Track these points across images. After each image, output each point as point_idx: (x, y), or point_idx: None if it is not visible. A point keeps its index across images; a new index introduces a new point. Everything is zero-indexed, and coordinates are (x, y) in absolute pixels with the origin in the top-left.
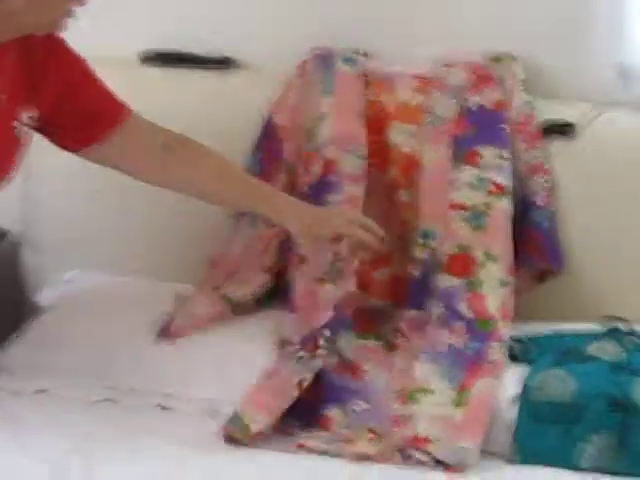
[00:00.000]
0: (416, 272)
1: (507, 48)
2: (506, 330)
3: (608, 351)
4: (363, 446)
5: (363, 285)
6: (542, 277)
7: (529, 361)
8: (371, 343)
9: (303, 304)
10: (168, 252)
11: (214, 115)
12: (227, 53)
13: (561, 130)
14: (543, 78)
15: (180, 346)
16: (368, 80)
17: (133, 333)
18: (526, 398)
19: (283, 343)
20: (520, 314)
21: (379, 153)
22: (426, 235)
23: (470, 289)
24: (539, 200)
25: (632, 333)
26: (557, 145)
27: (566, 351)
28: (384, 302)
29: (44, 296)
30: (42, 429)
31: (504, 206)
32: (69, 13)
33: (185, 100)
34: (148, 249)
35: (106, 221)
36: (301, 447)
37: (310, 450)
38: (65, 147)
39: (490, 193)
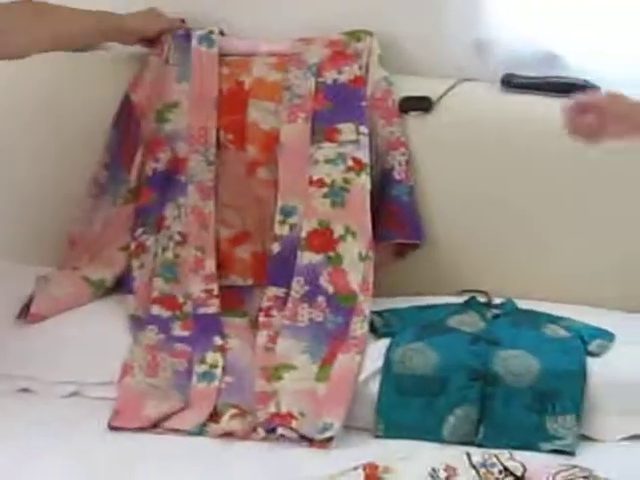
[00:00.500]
0: (276, 248)
1: (364, 24)
2: (367, 305)
3: (468, 323)
4: (227, 423)
5: (225, 263)
6: (402, 252)
7: (390, 334)
8: (236, 320)
9: (139, 291)
10: (28, 233)
11: (78, 94)
12: None
13: (418, 105)
14: (401, 54)
15: (42, 328)
16: (225, 59)
17: None
18: (388, 371)
19: (133, 318)
20: (381, 289)
21: (238, 132)
22: (286, 212)
23: (331, 264)
24: (397, 174)
25: (490, 305)
26: (414, 120)
27: (427, 324)
28: (245, 279)
29: None
30: None
31: (363, 182)
32: None
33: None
34: (7, 231)
35: None
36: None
37: (175, 430)
38: None
39: (349, 169)
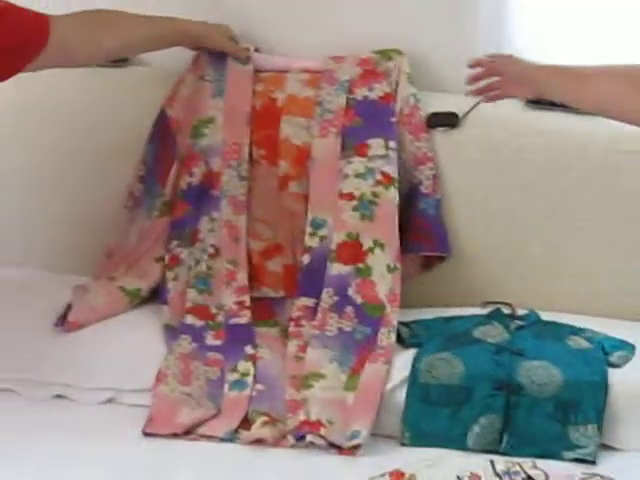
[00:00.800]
0: (306, 260)
1: (394, 44)
2: (394, 316)
3: (492, 334)
4: (258, 430)
5: (257, 275)
6: (428, 264)
7: (417, 345)
8: (267, 330)
9: (173, 302)
10: (65, 244)
11: (115, 108)
12: None
13: (445, 120)
14: (429, 72)
15: (79, 336)
16: (259, 76)
17: (32, 324)
18: (414, 380)
19: (167, 328)
20: (408, 300)
21: (271, 147)
22: (316, 224)
23: (359, 275)
24: (425, 188)
25: (514, 316)
26: (441, 135)
27: (453, 335)
28: (277, 291)
29: None
30: None
31: (391, 195)
32: None
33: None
34: (45, 241)
35: (4, 217)
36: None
37: (207, 437)
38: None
39: (378, 183)
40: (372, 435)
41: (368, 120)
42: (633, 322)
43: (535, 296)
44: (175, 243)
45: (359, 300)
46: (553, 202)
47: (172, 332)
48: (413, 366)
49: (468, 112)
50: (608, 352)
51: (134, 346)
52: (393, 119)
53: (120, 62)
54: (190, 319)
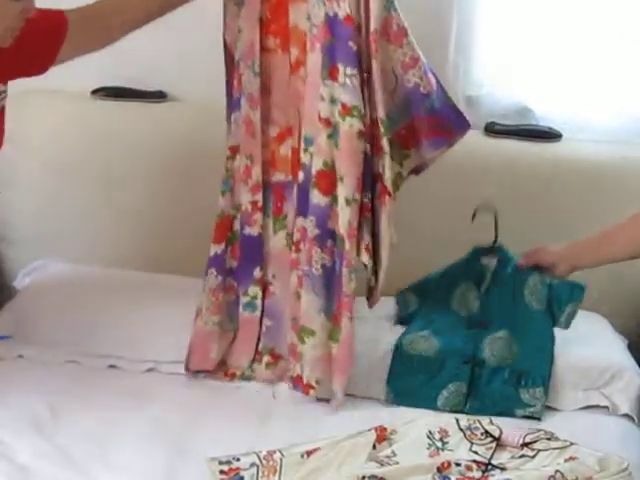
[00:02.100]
0: (301, 177)
1: None
2: (353, 256)
3: (466, 303)
4: (265, 371)
5: (271, 162)
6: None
7: (406, 320)
8: (275, 243)
9: None
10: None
11: (152, 140)
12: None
13: None
14: None
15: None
16: None
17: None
18: (399, 352)
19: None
20: None
21: (283, 35)
22: (307, 141)
23: (333, 206)
24: (423, 89)
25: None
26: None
27: (434, 310)
28: (287, 175)
29: (19, 281)
30: (20, 387)
31: (346, 126)
32: (12, 29)
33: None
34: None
35: (67, 221)
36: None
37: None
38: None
39: (339, 113)
40: (362, 397)
41: (337, 41)
42: None
43: None
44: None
45: (335, 233)
46: (511, 213)
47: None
48: (399, 341)
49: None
50: (558, 309)
51: (173, 325)
52: (351, 43)
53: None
54: (214, 248)
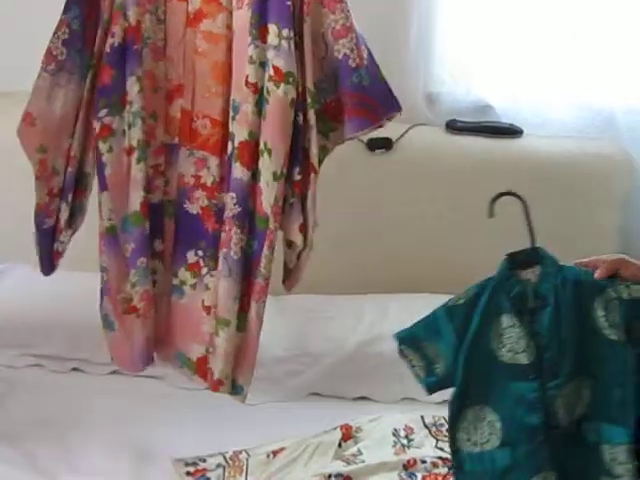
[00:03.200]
0: (230, 149)
1: None
2: (275, 234)
3: (515, 344)
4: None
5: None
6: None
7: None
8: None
9: (113, 184)
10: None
11: None
12: None
13: (382, 144)
14: None
15: None
16: None
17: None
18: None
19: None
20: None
21: None
22: (234, 108)
23: (254, 181)
24: (352, 62)
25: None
26: (379, 156)
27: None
28: (172, 138)
29: None
30: None
31: (280, 94)
32: None
33: None
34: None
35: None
36: None
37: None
38: None
39: (270, 78)
40: (327, 396)
41: None
42: None
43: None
44: (104, 112)
45: (253, 211)
46: (469, 206)
47: (115, 242)
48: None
49: (399, 137)
50: None
51: None
52: (288, 2)
53: None
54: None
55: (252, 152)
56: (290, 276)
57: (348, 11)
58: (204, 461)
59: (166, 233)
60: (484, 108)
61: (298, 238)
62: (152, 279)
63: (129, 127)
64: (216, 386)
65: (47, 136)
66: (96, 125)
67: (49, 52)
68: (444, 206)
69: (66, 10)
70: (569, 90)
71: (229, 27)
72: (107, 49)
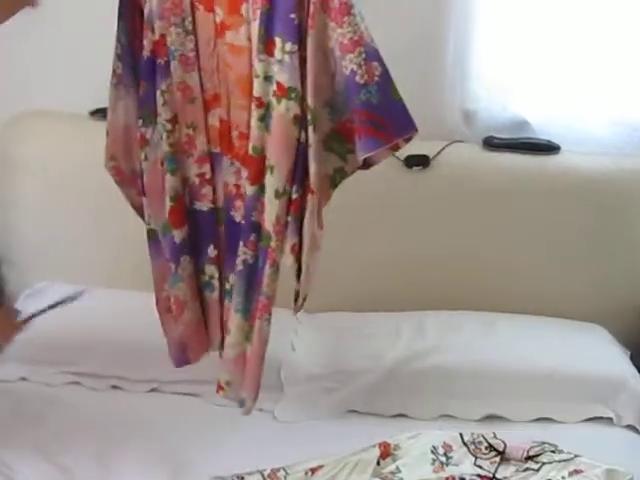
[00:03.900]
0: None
1: None
2: (279, 252)
3: None
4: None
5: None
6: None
7: None
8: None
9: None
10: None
11: None
12: None
13: (419, 161)
14: None
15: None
16: None
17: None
18: None
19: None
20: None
21: None
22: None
23: (261, 197)
24: (360, 78)
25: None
26: (416, 173)
27: None
28: (215, 146)
29: (21, 303)
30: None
31: (282, 110)
32: None
33: None
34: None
35: (68, 242)
36: None
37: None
38: None
39: (274, 93)
40: (364, 413)
41: (276, 10)
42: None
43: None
44: (140, 122)
45: (259, 226)
46: (506, 225)
47: (157, 244)
48: None
49: (437, 154)
50: None
51: None
52: (292, 15)
53: None
54: (178, 234)
55: (257, 167)
56: (296, 297)
57: (357, 24)
58: (242, 479)
59: (219, 240)
60: (521, 124)
61: (288, 259)
62: (194, 285)
63: (161, 137)
64: (217, 389)
65: (116, 145)
66: (137, 134)
67: (113, 70)
68: (481, 223)
69: (117, 24)
70: (606, 106)
71: (250, 39)
72: (142, 62)
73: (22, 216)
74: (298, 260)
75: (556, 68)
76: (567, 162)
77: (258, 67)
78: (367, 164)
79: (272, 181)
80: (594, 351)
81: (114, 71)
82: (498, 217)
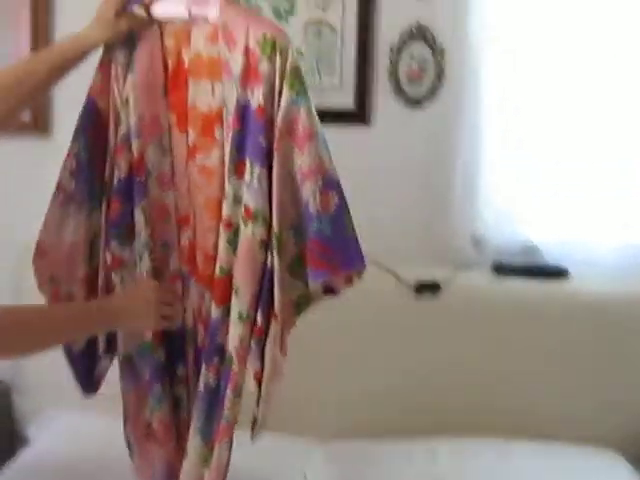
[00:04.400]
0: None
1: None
2: (241, 377)
3: None
4: None
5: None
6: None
7: None
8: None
9: None
10: None
11: None
12: None
13: (429, 288)
14: (414, 245)
15: None
16: (168, 29)
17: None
18: None
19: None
20: None
21: (181, 113)
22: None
23: (226, 319)
24: (312, 208)
25: None
26: (426, 301)
27: None
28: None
29: (31, 430)
30: None
31: (248, 233)
32: None
33: None
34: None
35: None
36: None
37: None
38: None
39: (242, 216)
40: None
41: (247, 133)
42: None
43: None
44: (114, 243)
45: (224, 348)
46: (518, 350)
47: (132, 369)
48: None
49: (448, 281)
50: None
51: None
52: (261, 139)
53: None
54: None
55: (224, 288)
56: (253, 423)
57: (318, 152)
58: None
59: (188, 359)
60: (530, 249)
61: (251, 384)
62: (172, 404)
63: (140, 258)
64: None
65: (58, 267)
66: (108, 257)
67: (59, 184)
68: (492, 349)
69: (73, 140)
70: (613, 230)
71: (223, 162)
72: (115, 182)
73: None
74: (259, 387)
75: (564, 193)
76: (577, 286)
77: (228, 188)
78: (332, 291)
79: (236, 303)
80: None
81: (61, 189)
82: (510, 343)
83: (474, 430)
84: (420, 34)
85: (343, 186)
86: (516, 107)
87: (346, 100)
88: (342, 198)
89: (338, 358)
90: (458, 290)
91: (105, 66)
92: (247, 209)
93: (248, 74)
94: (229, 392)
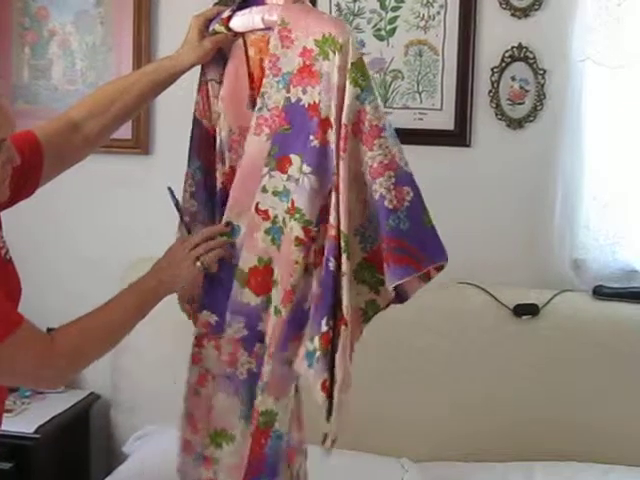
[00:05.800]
0: (214, 267)
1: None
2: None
3: None
4: None
5: None
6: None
7: None
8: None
9: None
10: None
11: None
12: None
13: (528, 310)
14: (513, 267)
15: None
16: (250, 39)
17: None
18: None
19: None
20: None
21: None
22: (234, 230)
23: (268, 308)
24: (389, 203)
25: None
26: (525, 322)
27: None
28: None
29: (129, 446)
30: None
31: (288, 229)
32: (3, 181)
33: None
34: None
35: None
36: None
37: None
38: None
39: (288, 210)
40: None
41: (295, 130)
42: None
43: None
44: None
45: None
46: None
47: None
48: None
49: (546, 303)
50: None
51: None
52: (312, 137)
53: None
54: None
55: (262, 278)
56: (324, 438)
57: (387, 147)
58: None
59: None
60: (631, 274)
61: (319, 397)
62: None
63: None
64: None
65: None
66: None
67: (185, 206)
68: (592, 372)
69: (188, 161)
70: None
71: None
72: (218, 194)
73: (134, 360)
74: (329, 397)
75: None
76: None
77: (268, 183)
78: (401, 298)
79: (274, 297)
80: None
81: (185, 210)
82: (609, 368)
83: (571, 453)
84: (521, 54)
85: (443, 207)
86: (618, 129)
87: (447, 121)
88: (417, 191)
89: (434, 379)
90: (557, 312)
91: (203, 86)
92: (292, 205)
93: (302, 73)
94: (261, 384)
